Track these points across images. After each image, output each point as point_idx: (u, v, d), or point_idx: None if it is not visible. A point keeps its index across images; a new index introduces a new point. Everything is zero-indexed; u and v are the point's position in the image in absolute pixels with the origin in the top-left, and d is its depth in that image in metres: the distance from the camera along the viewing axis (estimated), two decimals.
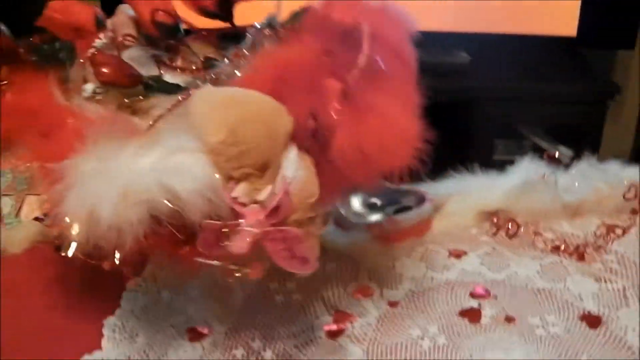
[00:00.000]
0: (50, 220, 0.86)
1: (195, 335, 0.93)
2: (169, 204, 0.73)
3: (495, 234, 1.14)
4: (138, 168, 0.74)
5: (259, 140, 0.76)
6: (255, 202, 0.75)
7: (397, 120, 0.80)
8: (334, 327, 0.94)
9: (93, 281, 1.00)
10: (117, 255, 0.76)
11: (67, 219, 0.77)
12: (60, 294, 1.01)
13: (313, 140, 0.79)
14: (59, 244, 0.84)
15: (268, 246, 0.75)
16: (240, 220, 0.75)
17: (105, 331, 0.95)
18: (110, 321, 0.97)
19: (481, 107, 1.50)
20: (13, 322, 0.98)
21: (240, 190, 0.74)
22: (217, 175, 0.75)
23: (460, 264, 1.07)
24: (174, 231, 0.76)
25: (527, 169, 1.19)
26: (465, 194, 1.17)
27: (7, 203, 1.03)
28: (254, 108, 0.77)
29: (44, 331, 0.96)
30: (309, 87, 0.79)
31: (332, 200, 0.90)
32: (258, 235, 0.74)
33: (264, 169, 0.77)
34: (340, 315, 0.96)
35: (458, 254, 1.09)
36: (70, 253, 0.81)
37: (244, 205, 0.74)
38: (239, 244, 0.74)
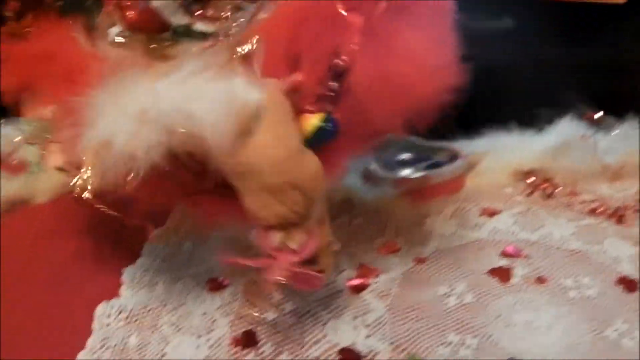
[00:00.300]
0: (68, 164, 0.84)
1: (215, 286, 0.90)
2: (187, 129, 0.70)
3: (530, 194, 1.09)
4: (154, 92, 0.70)
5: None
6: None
7: (423, 57, 0.75)
8: (357, 281, 0.90)
9: (115, 232, 0.98)
10: (130, 185, 0.72)
11: (83, 154, 0.73)
12: (83, 243, 0.98)
13: (338, 79, 0.75)
14: (79, 191, 0.81)
15: (293, 283, 0.76)
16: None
17: (124, 279, 0.92)
18: (130, 270, 0.94)
19: (524, 72, 1.42)
20: (36, 269, 0.96)
21: (277, 239, 0.75)
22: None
23: (492, 223, 1.02)
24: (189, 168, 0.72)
25: (566, 129, 1.13)
26: (501, 153, 1.11)
27: (32, 152, 1.00)
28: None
29: (65, 279, 0.94)
30: (330, 24, 0.74)
31: (359, 150, 0.85)
32: (287, 274, 0.75)
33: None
34: (365, 270, 0.92)
35: (491, 213, 1.04)
36: (86, 194, 0.79)
37: (278, 249, 0.76)
38: (270, 282, 0.75)
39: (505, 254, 0.97)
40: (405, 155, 1.09)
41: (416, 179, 1.05)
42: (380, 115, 0.77)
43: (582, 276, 0.93)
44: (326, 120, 0.76)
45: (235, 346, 0.82)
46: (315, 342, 0.82)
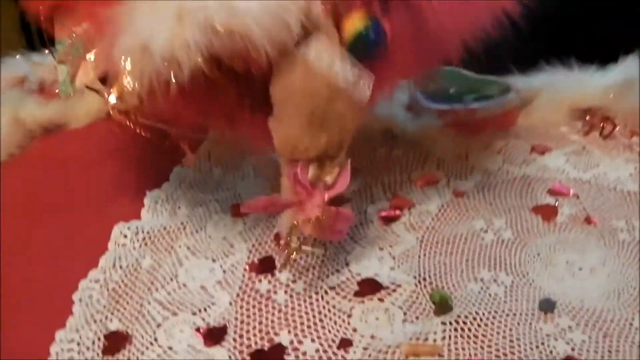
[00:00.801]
0: (98, 82, 0.79)
1: (239, 211, 0.84)
2: (229, 26, 0.64)
3: (587, 133, 1.00)
4: None
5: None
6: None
7: None
8: (389, 212, 0.83)
9: (146, 155, 0.93)
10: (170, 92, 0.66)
11: (118, 63, 0.68)
12: (113, 167, 0.94)
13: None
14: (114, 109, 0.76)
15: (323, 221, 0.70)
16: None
17: (146, 202, 0.87)
18: (154, 193, 0.89)
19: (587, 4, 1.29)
20: (65, 192, 0.93)
21: (312, 173, 0.70)
22: None
23: (542, 160, 0.94)
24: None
25: (631, 68, 1.03)
26: (558, 89, 1.02)
27: (63, 71, 0.96)
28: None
29: (90, 201, 0.89)
30: None
31: (409, 73, 0.77)
32: (320, 212, 0.69)
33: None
34: (399, 201, 0.85)
35: (542, 150, 0.96)
36: (120, 107, 0.73)
37: (312, 184, 0.70)
38: (305, 222, 0.70)
39: (552, 192, 0.88)
40: (453, 87, 1.01)
41: (463, 111, 0.97)
42: (437, 32, 0.69)
43: (635, 218, 0.84)
44: (369, 25, 0.67)
45: (251, 271, 0.76)
46: (336, 271, 0.76)
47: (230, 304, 0.73)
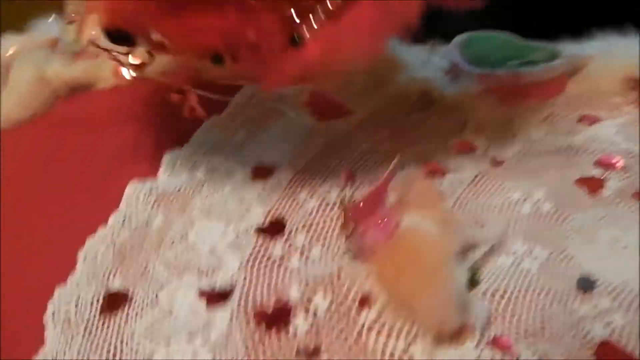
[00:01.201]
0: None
1: (259, 174, 0.78)
2: None
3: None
4: None
5: None
6: None
7: None
8: None
9: (169, 118, 0.87)
10: None
11: None
12: (134, 127, 0.89)
13: None
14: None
15: None
16: None
17: (164, 161, 0.82)
18: (173, 154, 0.83)
19: None
20: (84, 151, 0.88)
21: None
22: None
23: (590, 131, 0.86)
24: None
25: None
26: (613, 57, 0.93)
27: (71, 29, 0.91)
28: None
29: (107, 159, 0.84)
30: None
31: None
32: None
33: None
34: (431, 167, 0.77)
35: (591, 120, 0.87)
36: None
37: None
38: None
39: (599, 164, 0.80)
40: (497, 51, 0.93)
41: (505, 75, 0.89)
42: None
43: None
44: None
45: (265, 236, 0.70)
46: None
47: (239, 268, 0.67)
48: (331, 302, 0.63)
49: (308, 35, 0.62)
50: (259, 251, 0.70)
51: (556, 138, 0.85)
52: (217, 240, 0.71)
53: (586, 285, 0.64)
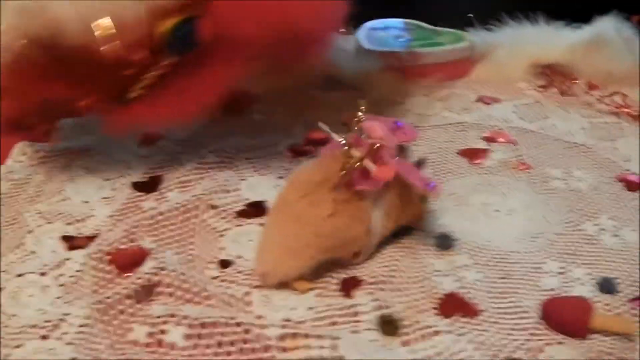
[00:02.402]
0: None
1: (145, 141, 0.76)
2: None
3: (545, 88, 0.89)
4: None
5: None
6: None
7: None
8: (300, 147, 0.74)
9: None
10: None
11: None
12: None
13: None
14: None
15: None
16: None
17: (57, 127, 0.78)
18: (66, 121, 0.80)
19: None
20: None
21: None
22: None
23: (486, 110, 0.84)
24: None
25: (604, 27, 0.91)
26: (520, 44, 0.91)
27: None
28: None
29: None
30: None
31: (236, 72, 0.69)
32: None
33: None
34: (312, 136, 0.75)
35: (488, 101, 0.85)
36: None
37: None
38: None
39: (486, 138, 0.79)
40: (403, 34, 0.91)
41: (405, 54, 0.87)
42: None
43: (575, 168, 0.73)
44: (184, 23, 0.64)
45: (139, 190, 0.68)
46: (225, 192, 0.68)
47: (108, 217, 0.64)
48: (177, 253, 0.61)
49: (134, 96, 0.66)
50: (130, 204, 0.67)
51: (449, 115, 0.83)
52: (93, 193, 0.69)
53: (445, 243, 0.61)
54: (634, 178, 0.72)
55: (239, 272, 0.59)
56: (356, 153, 0.57)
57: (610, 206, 0.68)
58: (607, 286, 0.59)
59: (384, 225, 0.59)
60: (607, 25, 0.91)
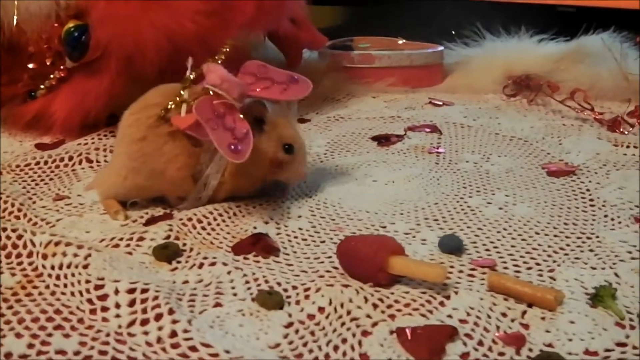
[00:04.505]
0: None
1: None
2: None
3: (511, 96, 0.79)
4: None
5: None
6: None
7: None
8: None
9: None
10: None
11: None
12: None
13: None
14: None
15: None
16: None
17: None
18: None
19: None
20: None
21: None
22: None
23: (432, 110, 0.76)
24: None
25: (590, 41, 0.81)
26: (495, 55, 0.82)
27: None
28: None
29: None
30: None
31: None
32: None
33: None
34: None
35: (439, 103, 0.76)
36: None
37: None
38: None
39: (408, 128, 0.70)
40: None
41: (359, 55, 0.81)
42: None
43: (496, 155, 0.65)
44: (76, 28, 0.65)
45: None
46: None
47: None
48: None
49: (41, 93, 0.68)
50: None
51: (386, 111, 0.75)
52: None
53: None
54: (558, 166, 0.60)
55: (69, 205, 0.56)
56: (185, 94, 0.51)
57: (514, 186, 0.57)
58: (448, 243, 0.48)
59: (220, 181, 0.52)
60: (594, 40, 0.80)
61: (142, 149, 0.51)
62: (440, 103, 0.76)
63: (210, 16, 0.61)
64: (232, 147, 0.49)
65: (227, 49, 0.53)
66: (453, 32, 0.86)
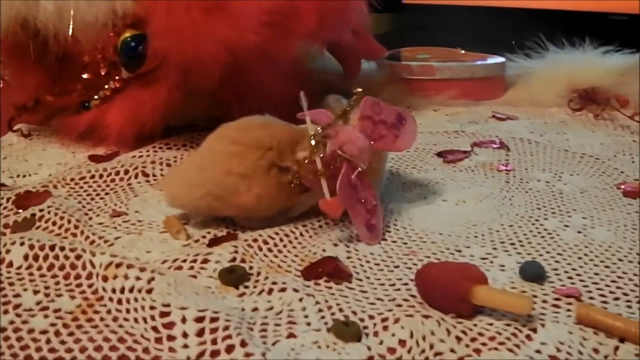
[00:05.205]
0: None
1: None
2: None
3: (577, 111, 0.75)
4: None
5: None
6: None
7: None
8: None
9: None
10: None
11: None
12: None
13: None
14: None
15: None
16: None
17: None
18: None
19: None
20: None
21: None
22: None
23: (496, 124, 0.72)
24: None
25: None
26: (557, 68, 0.79)
27: None
28: None
29: None
30: None
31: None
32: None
33: None
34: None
35: (503, 117, 0.73)
36: None
37: None
38: None
39: (474, 144, 0.67)
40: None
41: (419, 67, 0.78)
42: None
43: (568, 174, 0.61)
44: (132, 38, 0.63)
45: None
46: None
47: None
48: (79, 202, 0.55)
49: (95, 104, 0.66)
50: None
51: (452, 125, 0.71)
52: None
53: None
54: (634, 186, 0.56)
55: (127, 221, 0.53)
56: (319, 164, 0.47)
57: (590, 207, 0.53)
58: (529, 270, 0.44)
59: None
60: None
61: (236, 185, 0.48)
62: (504, 117, 0.72)
63: (273, 27, 0.58)
64: (367, 224, 0.47)
65: (357, 96, 0.49)
66: (513, 43, 0.82)
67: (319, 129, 0.47)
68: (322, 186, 0.46)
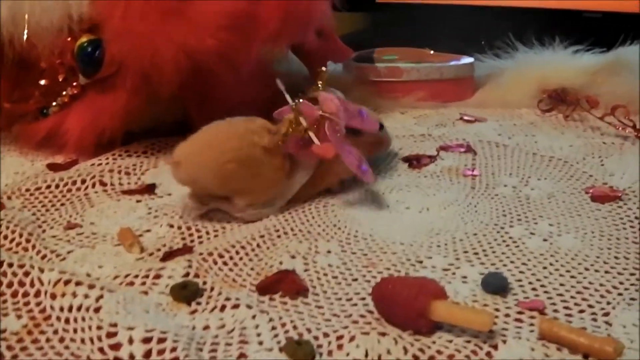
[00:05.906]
0: None
1: None
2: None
3: (547, 112, 0.74)
4: None
5: None
6: None
7: None
8: None
9: None
10: None
11: None
12: None
13: None
14: None
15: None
16: None
17: None
18: None
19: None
20: None
21: None
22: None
23: (463, 127, 0.71)
24: None
25: (628, 53, 0.76)
26: (528, 68, 0.77)
27: None
28: None
29: None
30: None
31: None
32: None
33: None
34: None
35: (471, 120, 0.71)
36: None
37: None
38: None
39: (440, 148, 0.65)
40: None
41: (386, 69, 0.76)
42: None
43: (535, 178, 0.59)
44: (89, 43, 0.61)
45: None
46: None
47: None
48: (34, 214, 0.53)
49: (54, 111, 0.64)
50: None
51: (418, 128, 0.70)
52: None
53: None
54: (603, 190, 0.55)
55: (81, 234, 0.51)
56: (303, 122, 0.52)
57: (557, 213, 0.52)
58: (492, 282, 0.43)
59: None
60: (632, 51, 0.75)
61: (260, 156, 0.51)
62: (473, 119, 0.71)
63: (232, 31, 0.57)
64: (360, 167, 0.52)
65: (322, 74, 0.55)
66: (482, 42, 0.81)
67: (297, 100, 0.53)
68: (312, 138, 0.51)
